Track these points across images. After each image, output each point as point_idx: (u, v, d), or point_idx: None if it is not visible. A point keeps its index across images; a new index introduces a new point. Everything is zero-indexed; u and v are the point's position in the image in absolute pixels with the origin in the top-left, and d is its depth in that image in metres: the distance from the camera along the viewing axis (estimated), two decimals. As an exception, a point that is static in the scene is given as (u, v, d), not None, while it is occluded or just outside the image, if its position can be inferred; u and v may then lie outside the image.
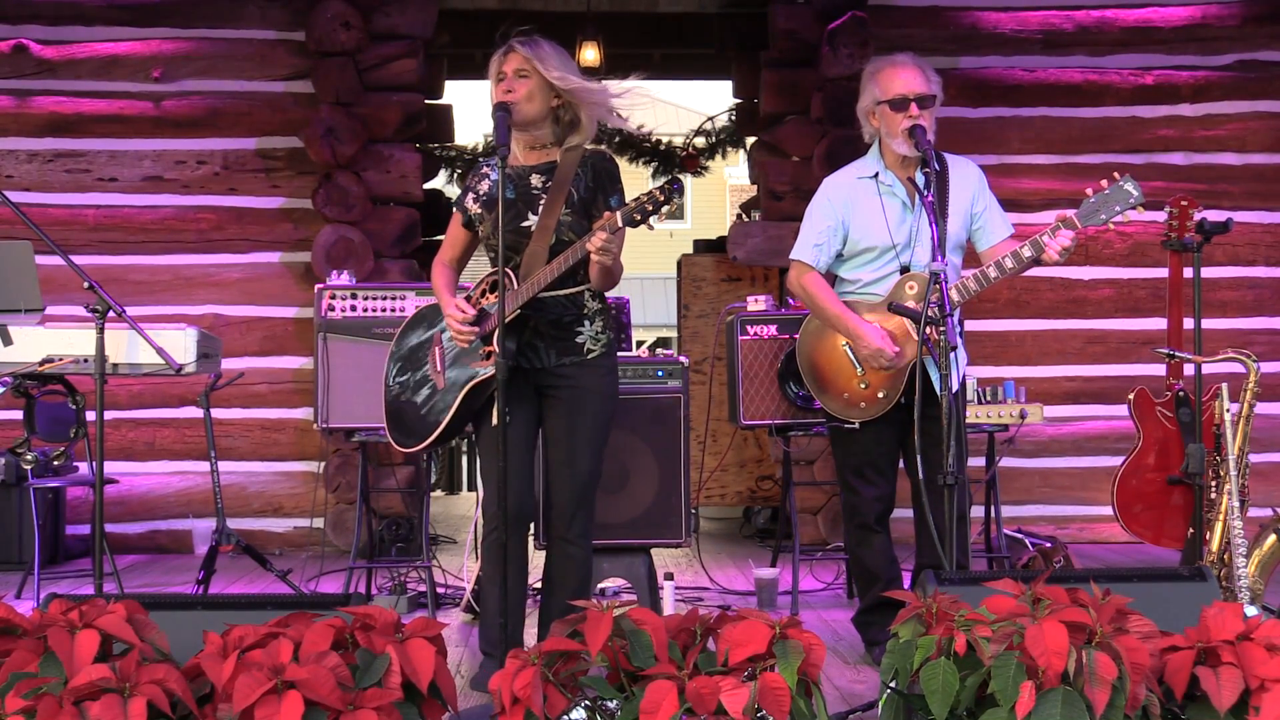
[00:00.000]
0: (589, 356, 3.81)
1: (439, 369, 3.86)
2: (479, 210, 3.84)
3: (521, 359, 3.74)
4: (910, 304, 4.00)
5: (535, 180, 3.78)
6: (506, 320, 3.60)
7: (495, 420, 3.55)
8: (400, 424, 3.97)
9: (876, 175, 4.23)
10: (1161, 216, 5.61)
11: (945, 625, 2.74)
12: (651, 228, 3.58)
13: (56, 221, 6.81)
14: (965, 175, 4.21)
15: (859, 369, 4.17)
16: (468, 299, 3.82)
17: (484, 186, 3.84)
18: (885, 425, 4.16)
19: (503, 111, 3.68)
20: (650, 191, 3.56)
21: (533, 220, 3.72)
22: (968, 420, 4.95)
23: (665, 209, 3.55)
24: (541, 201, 3.72)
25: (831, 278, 4.31)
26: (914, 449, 3.87)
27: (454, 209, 3.93)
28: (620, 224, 3.55)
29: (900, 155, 4.14)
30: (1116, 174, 3.81)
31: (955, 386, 3.91)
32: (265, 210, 7.08)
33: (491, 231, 3.73)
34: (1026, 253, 3.95)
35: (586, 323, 3.81)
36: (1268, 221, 7.17)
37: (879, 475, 4.23)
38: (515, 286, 3.66)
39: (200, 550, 6.66)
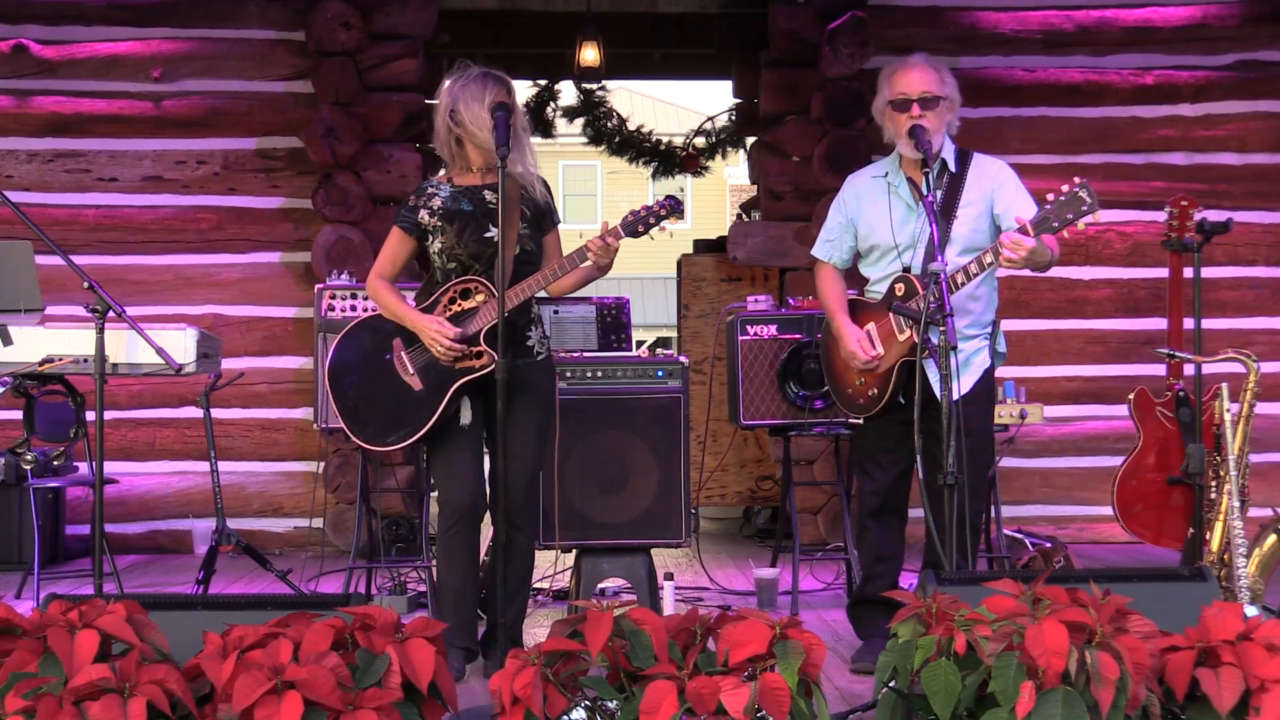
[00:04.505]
0: (537, 358, 4.15)
1: (410, 372, 4.06)
2: (438, 223, 4.07)
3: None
4: (908, 305, 4.00)
5: (489, 196, 4.06)
6: (492, 324, 3.93)
7: (464, 420, 4.03)
8: (369, 425, 4.10)
9: (887, 175, 4.23)
10: (1161, 216, 5.62)
11: (945, 625, 2.75)
12: (653, 238, 3.98)
13: (56, 221, 6.80)
14: (987, 176, 4.14)
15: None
16: (428, 309, 4.06)
17: (436, 203, 4.09)
18: (888, 422, 4.17)
19: (503, 111, 3.84)
20: (651, 206, 3.97)
21: (494, 232, 3.99)
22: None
23: (665, 223, 3.96)
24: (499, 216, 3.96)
25: (864, 279, 4.32)
26: (915, 450, 3.86)
27: (396, 225, 4.14)
28: (623, 234, 3.93)
29: (909, 155, 4.13)
30: (1076, 179, 3.77)
31: (966, 389, 3.90)
32: (265, 210, 7.08)
33: (456, 242, 4.04)
34: (987, 259, 3.90)
35: (533, 327, 4.16)
36: (1268, 221, 7.17)
37: (878, 470, 4.25)
38: (494, 293, 3.95)
39: (200, 550, 6.66)
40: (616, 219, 4.01)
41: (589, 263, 3.99)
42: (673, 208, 3.97)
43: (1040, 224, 3.75)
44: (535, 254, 4.08)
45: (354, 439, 4.17)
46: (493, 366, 3.92)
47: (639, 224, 3.97)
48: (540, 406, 4.14)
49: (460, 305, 4.04)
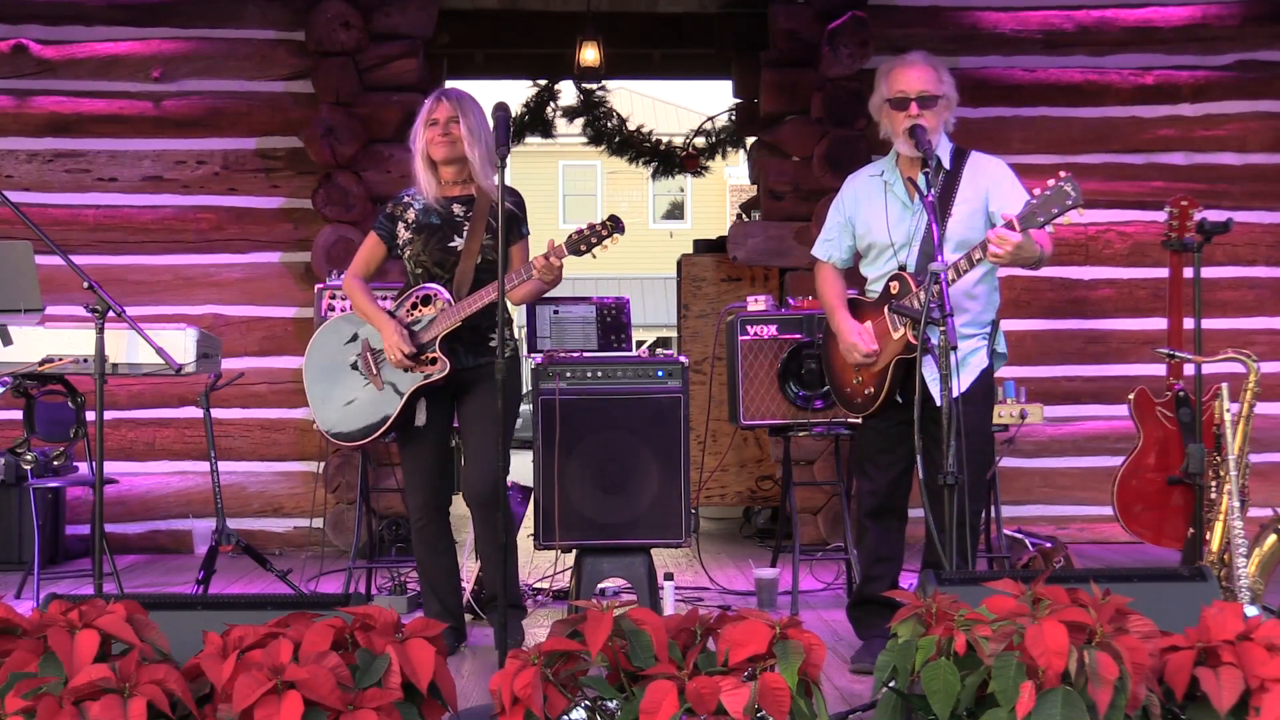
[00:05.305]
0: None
1: (374, 372, 4.37)
2: (409, 235, 4.37)
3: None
4: (904, 303, 4.00)
5: (457, 209, 4.35)
6: (448, 331, 4.24)
7: (418, 421, 4.33)
8: (332, 416, 4.44)
9: (883, 174, 4.22)
10: (1161, 216, 5.61)
11: (945, 625, 2.75)
12: (595, 256, 4.20)
13: (56, 221, 6.81)
14: (982, 174, 4.13)
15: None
16: (391, 314, 4.33)
17: (410, 215, 4.40)
18: (886, 423, 4.18)
19: (502, 112, 3.90)
20: (593, 225, 4.17)
21: (458, 242, 4.31)
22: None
23: (607, 241, 4.15)
24: (465, 228, 4.31)
25: (864, 279, 4.31)
26: (915, 450, 3.86)
27: (373, 230, 4.47)
28: (566, 253, 4.14)
29: (907, 154, 4.11)
30: (1061, 173, 3.74)
31: (963, 388, 3.89)
32: (265, 210, 7.08)
33: (422, 250, 4.33)
34: (976, 255, 3.90)
35: (497, 329, 4.30)
36: (1268, 221, 7.17)
37: (877, 470, 4.25)
38: (451, 302, 4.25)
39: (200, 550, 6.66)
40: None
41: (535, 277, 4.22)
42: (614, 227, 4.16)
43: (1026, 219, 3.73)
44: (497, 264, 4.24)
45: (319, 427, 4.52)
46: (446, 372, 4.25)
47: (582, 243, 4.16)
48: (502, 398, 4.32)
49: (420, 311, 4.31)
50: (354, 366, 4.43)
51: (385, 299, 4.49)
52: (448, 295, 4.28)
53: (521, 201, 4.44)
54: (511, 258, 4.33)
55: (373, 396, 4.37)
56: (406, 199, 4.43)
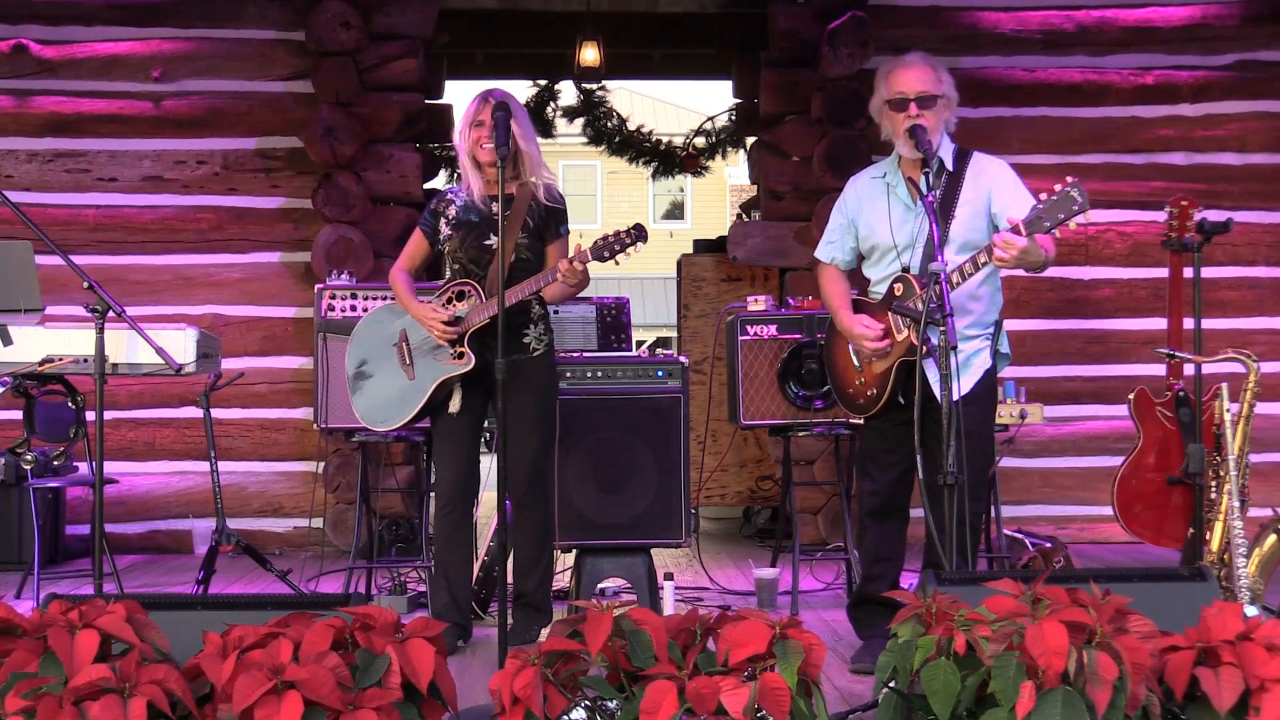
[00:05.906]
0: (534, 355, 4.45)
1: (408, 363, 4.46)
2: (450, 231, 4.47)
3: (477, 355, 4.37)
4: (907, 304, 4.00)
5: (494, 207, 4.32)
6: (477, 326, 4.32)
7: (452, 408, 4.40)
8: (365, 401, 4.54)
9: (885, 176, 4.21)
10: (1161, 216, 5.61)
11: (945, 625, 2.75)
12: (618, 263, 4.27)
13: (56, 221, 6.80)
14: (985, 175, 4.12)
15: (857, 364, 4.20)
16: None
17: (452, 211, 4.49)
18: (888, 423, 4.17)
19: (503, 111, 3.99)
20: (618, 233, 4.23)
21: (493, 240, 4.35)
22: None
23: (630, 250, 4.23)
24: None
25: (868, 280, 4.31)
26: (916, 449, 3.86)
27: (418, 226, 4.59)
28: (590, 258, 4.20)
29: (908, 155, 4.11)
30: (1069, 178, 3.73)
31: (966, 389, 3.89)
32: (265, 210, 7.08)
33: (459, 247, 4.43)
34: (982, 258, 3.89)
35: (531, 326, 4.46)
36: (1268, 221, 7.17)
37: (879, 470, 4.25)
38: (484, 298, 4.33)
39: (200, 550, 6.66)
40: (616, 219, 4.16)
41: (560, 280, 4.27)
42: (638, 235, 4.23)
43: (1032, 223, 3.73)
44: (533, 262, 4.37)
45: (354, 410, 4.60)
46: (471, 366, 4.33)
47: (605, 250, 4.23)
48: (536, 396, 4.43)
49: (455, 306, 4.39)
50: (391, 355, 4.50)
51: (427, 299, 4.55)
52: (481, 292, 4.36)
53: (563, 201, 4.52)
54: (548, 257, 4.43)
55: (405, 386, 4.44)
56: (450, 195, 4.53)
